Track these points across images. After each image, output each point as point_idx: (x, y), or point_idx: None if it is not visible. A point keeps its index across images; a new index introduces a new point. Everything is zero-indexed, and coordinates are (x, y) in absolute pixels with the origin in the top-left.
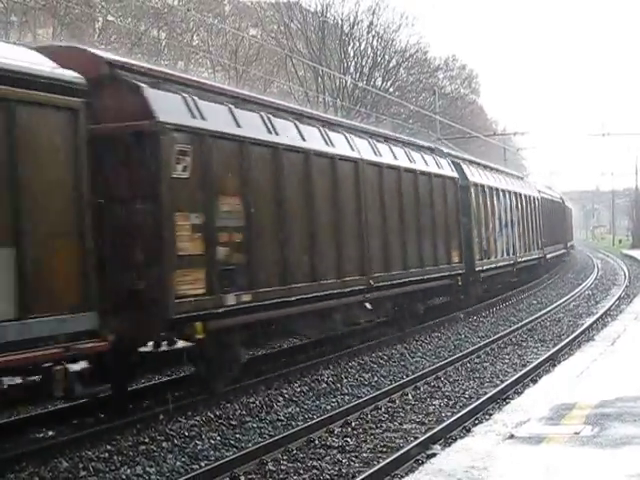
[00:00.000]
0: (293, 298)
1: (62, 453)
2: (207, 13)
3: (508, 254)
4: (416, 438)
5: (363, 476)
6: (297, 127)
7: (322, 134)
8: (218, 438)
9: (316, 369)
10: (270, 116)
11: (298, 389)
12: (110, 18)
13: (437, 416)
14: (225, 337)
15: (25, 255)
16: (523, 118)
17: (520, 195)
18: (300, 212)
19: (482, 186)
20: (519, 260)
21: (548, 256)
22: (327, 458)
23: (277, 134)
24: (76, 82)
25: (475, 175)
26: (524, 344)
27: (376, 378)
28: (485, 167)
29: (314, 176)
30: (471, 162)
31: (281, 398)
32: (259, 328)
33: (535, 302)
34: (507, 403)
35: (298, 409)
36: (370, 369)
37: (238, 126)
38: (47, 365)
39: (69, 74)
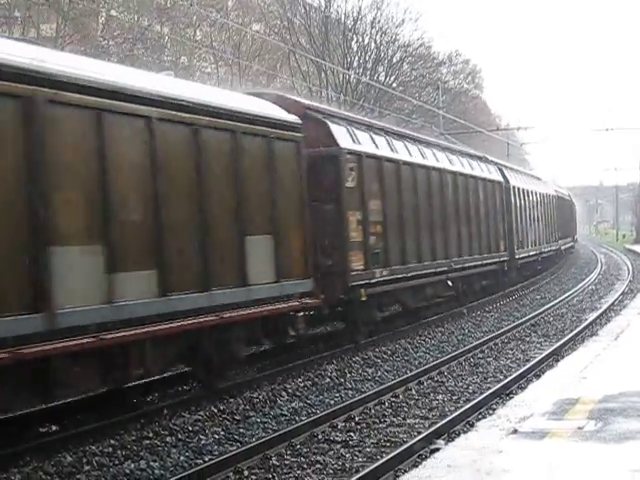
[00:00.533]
0: (409, 274)
1: (66, 448)
2: (210, 8)
3: (535, 245)
4: (420, 433)
5: (367, 471)
6: (405, 146)
7: (420, 151)
8: (222, 433)
9: (319, 364)
10: (390, 138)
11: (302, 384)
12: (113, 13)
13: (441, 411)
14: (371, 301)
15: (277, 240)
16: (526, 113)
17: (542, 194)
18: (412, 212)
19: (518, 188)
20: (543, 250)
21: (562, 247)
22: (331, 453)
23: (397, 152)
24: (297, 122)
25: (513, 179)
26: (527, 339)
27: (380, 373)
28: (517, 171)
29: (418, 183)
30: (509, 167)
31: (285, 393)
32: (387, 296)
33: (538, 297)
34: (510, 398)
35: (302, 404)
36: (374, 364)
37: (377, 147)
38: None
39: (293, 117)
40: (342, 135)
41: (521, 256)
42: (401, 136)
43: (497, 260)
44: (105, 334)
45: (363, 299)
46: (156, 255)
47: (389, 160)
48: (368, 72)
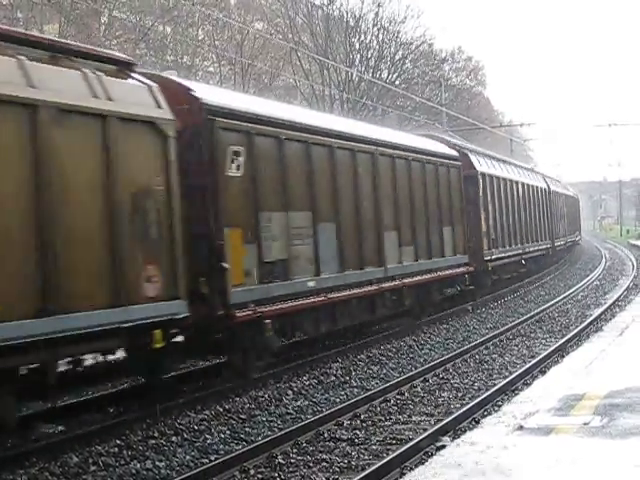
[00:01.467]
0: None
1: (72, 448)
2: (212, 7)
3: (564, 236)
4: (425, 430)
5: (373, 468)
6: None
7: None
8: (227, 432)
9: (325, 362)
10: (493, 159)
11: (307, 382)
12: (116, 13)
13: (446, 408)
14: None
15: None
16: (529, 109)
17: (564, 195)
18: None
19: (553, 191)
20: (568, 240)
21: (559, 246)
22: (336, 451)
23: (508, 172)
24: (457, 156)
25: (550, 184)
26: (533, 335)
27: (385, 370)
28: (547, 177)
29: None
30: (541, 174)
31: (290, 391)
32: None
33: (543, 293)
34: (516, 394)
35: (307, 402)
36: (379, 361)
37: (494, 168)
38: None
39: (455, 152)
40: (480, 161)
41: (558, 244)
42: (498, 159)
43: (544, 247)
44: None
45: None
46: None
47: (502, 179)
48: (370, 70)
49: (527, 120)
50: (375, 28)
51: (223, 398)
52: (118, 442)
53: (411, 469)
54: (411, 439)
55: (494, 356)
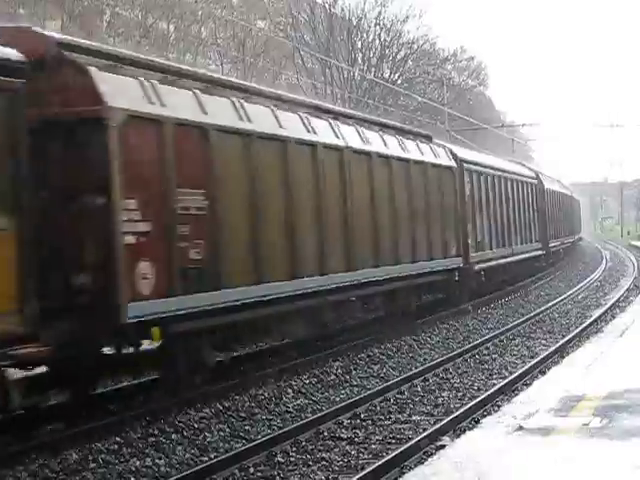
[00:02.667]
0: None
1: (72, 445)
2: (215, 5)
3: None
4: (425, 430)
5: (372, 468)
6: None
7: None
8: (227, 430)
9: (325, 361)
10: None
11: (307, 381)
12: (118, 10)
13: (446, 408)
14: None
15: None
16: (531, 109)
17: (570, 197)
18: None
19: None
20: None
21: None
22: (336, 450)
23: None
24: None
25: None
26: (533, 336)
27: (385, 370)
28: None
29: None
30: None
31: (290, 390)
32: None
33: (543, 294)
34: (516, 395)
35: (307, 401)
36: (379, 361)
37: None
38: None
39: (452, 162)
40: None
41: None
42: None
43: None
44: None
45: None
46: None
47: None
48: (372, 69)
49: (529, 120)
50: (377, 27)
51: (223, 396)
52: (118, 439)
53: (410, 468)
54: (411, 438)
55: (494, 356)
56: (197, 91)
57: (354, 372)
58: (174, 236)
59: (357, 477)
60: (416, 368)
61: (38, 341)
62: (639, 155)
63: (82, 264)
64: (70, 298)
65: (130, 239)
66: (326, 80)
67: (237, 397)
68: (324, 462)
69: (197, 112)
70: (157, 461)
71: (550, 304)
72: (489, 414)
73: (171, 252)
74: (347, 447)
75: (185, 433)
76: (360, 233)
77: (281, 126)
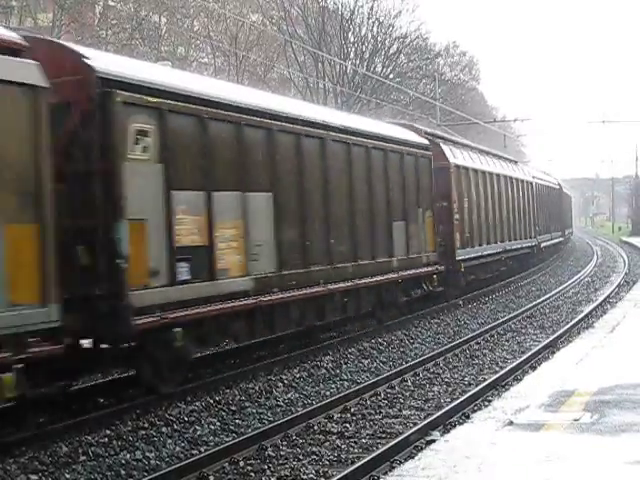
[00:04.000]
0: None
1: (62, 438)
2: None
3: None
4: (415, 424)
5: (362, 462)
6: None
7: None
8: (217, 423)
9: (315, 355)
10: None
11: (298, 375)
12: (110, 3)
13: (436, 402)
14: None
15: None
16: (523, 105)
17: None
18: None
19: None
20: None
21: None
22: (326, 444)
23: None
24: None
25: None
26: (523, 331)
27: (375, 364)
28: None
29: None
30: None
31: (281, 384)
32: None
33: (534, 289)
34: (506, 390)
35: (297, 395)
36: (369, 355)
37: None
38: None
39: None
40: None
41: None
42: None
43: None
44: None
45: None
46: None
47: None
48: (365, 63)
49: (520, 116)
50: (370, 21)
51: (213, 390)
52: (108, 432)
53: (401, 463)
54: (401, 433)
55: (485, 351)
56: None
57: (345, 366)
58: None
59: (347, 471)
60: (407, 362)
61: None
62: (631, 151)
63: None
64: None
65: None
66: (318, 74)
67: (228, 390)
68: (314, 456)
69: (478, 163)
70: (147, 454)
71: (541, 299)
72: (479, 409)
73: None
74: (337, 441)
75: (175, 426)
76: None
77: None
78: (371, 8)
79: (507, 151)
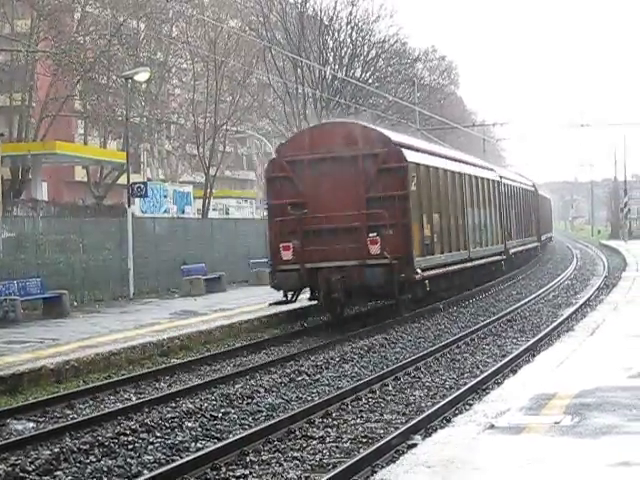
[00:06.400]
0: None
1: (43, 444)
2: (186, 4)
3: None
4: (397, 428)
5: (344, 466)
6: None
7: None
8: (199, 429)
9: (297, 360)
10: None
11: (279, 380)
12: (89, 9)
13: (417, 406)
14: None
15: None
16: (502, 109)
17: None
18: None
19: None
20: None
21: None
22: (308, 448)
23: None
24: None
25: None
26: (504, 334)
27: (356, 369)
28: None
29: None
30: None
31: (262, 389)
32: None
33: (514, 292)
34: (487, 393)
35: (279, 400)
36: (350, 359)
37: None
38: None
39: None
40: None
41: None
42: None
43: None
44: None
45: None
46: None
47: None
48: (344, 68)
49: (499, 120)
50: (349, 27)
51: (194, 395)
52: (89, 439)
53: (382, 467)
54: (382, 437)
55: (465, 355)
56: None
57: (325, 371)
58: None
59: (329, 476)
60: (388, 367)
61: None
62: (609, 155)
63: None
64: None
65: None
66: (297, 79)
67: (208, 396)
68: (296, 461)
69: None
70: (129, 460)
71: (521, 303)
72: (460, 413)
73: None
74: (319, 446)
75: (157, 432)
76: None
77: None
78: (350, 13)
79: (486, 156)
